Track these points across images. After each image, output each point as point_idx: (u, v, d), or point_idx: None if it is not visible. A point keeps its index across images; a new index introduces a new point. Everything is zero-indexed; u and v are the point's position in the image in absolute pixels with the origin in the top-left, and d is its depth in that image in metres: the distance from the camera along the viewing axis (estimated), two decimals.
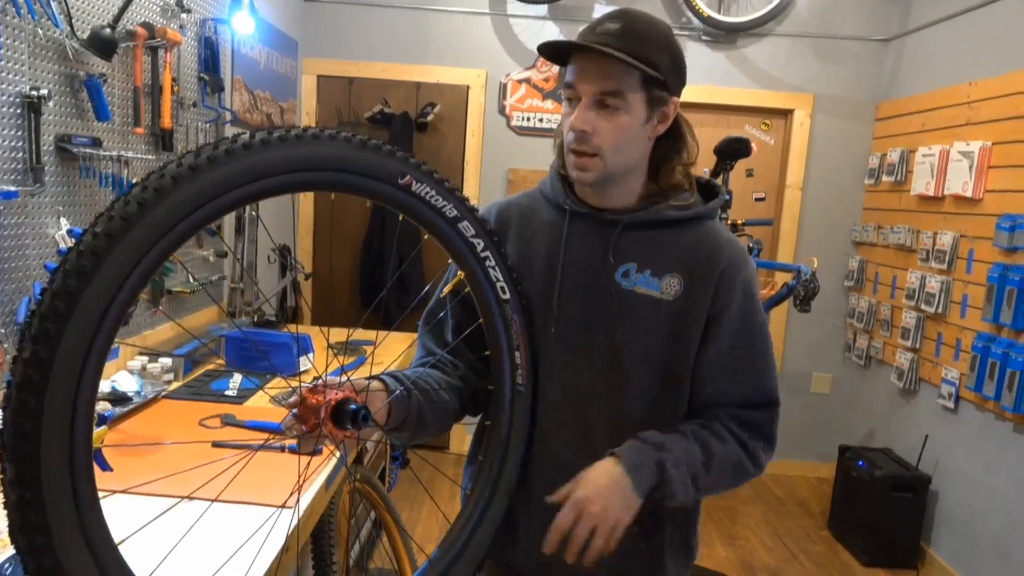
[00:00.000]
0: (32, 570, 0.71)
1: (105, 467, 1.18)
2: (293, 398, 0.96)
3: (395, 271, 3.99)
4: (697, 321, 1.12)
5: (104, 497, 0.77)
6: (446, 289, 1.21)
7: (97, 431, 0.98)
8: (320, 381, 0.96)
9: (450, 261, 1.25)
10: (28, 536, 0.70)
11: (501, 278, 1.08)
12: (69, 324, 0.69)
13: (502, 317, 1.09)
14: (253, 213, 3.10)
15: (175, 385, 2.19)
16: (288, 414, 0.99)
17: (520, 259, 1.18)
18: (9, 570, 1.04)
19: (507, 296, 1.09)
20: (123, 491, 1.25)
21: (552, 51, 1.10)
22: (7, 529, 0.71)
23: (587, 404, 1.13)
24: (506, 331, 1.10)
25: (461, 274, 1.09)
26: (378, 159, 0.90)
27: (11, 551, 1.08)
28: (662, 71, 1.07)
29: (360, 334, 3.04)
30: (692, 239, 1.14)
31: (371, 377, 1.09)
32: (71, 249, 0.71)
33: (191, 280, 2.62)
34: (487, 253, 1.06)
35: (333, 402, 0.95)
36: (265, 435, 1.71)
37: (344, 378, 1.00)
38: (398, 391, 1.09)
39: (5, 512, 0.70)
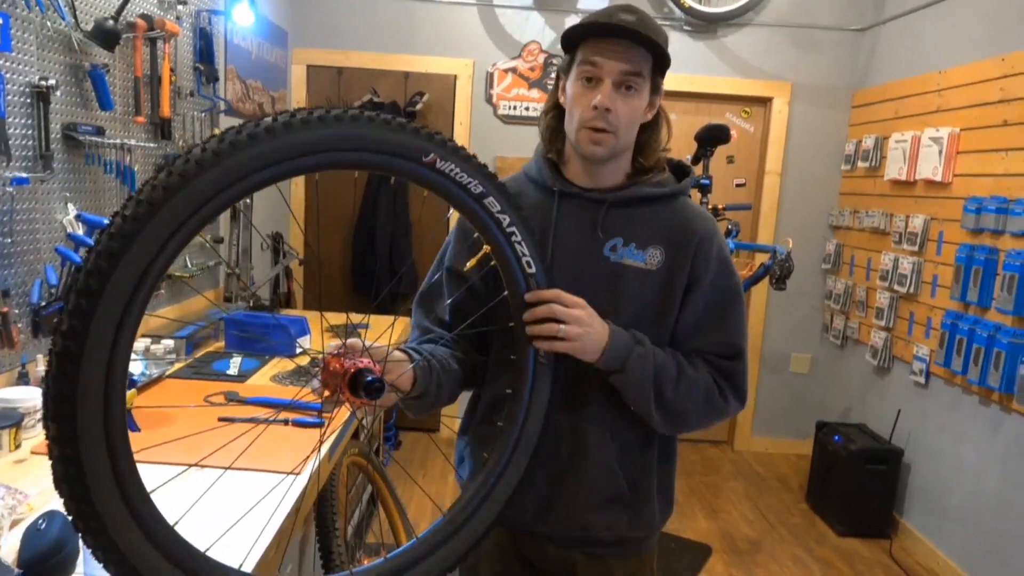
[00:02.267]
0: (73, 515, 0.80)
1: (134, 427, 1.27)
2: (320, 362, 1.03)
3: (388, 255, 4.07)
4: (678, 288, 1.24)
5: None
6: (470, 263, 1.23)
7: (127, 393, 1.06)
8: (342, 346, 1.03)
9: (449, 234, 1.35)
10: (69, 486, 0.79)
11: (527, 252, 1.11)
12: (101, 300, 0.76)
13: (526, 289, 1.12)
14: (248, 201, 3.17)
15: (178, 366, 2.27)
16: (314, 379, 1.06)
17: None
18: (43, 525, 1.12)
19: (533, 270, 1.12)
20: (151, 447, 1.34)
21: (570, 35, 1.18)
22: (52, 478, 0.80)
23: (580, 368, 1.21)
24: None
25: (487, 248, 1.11)
26: (402, 138, 0.91)
27: (38, 513, 1.16)
28: (667, 63, 1.19)
29: (354, 317, 3.12)
30: (669, 214, 1.25)
31: (393, 347, 1.15)
32: (103, 231, 0.78)
33: (189, 265, 2.69)
34: (513, 228, 1.07)
35: (352, 371, 1.00)
36: (272, 410, 1.80)
37: (368, 343, 1.06)
38: (419, 359, 1.18)
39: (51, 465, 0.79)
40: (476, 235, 1.13)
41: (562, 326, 1.11)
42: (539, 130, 1.31)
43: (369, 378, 0.99)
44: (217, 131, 2.78)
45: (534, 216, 1.26)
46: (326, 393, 1.01)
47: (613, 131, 1.17)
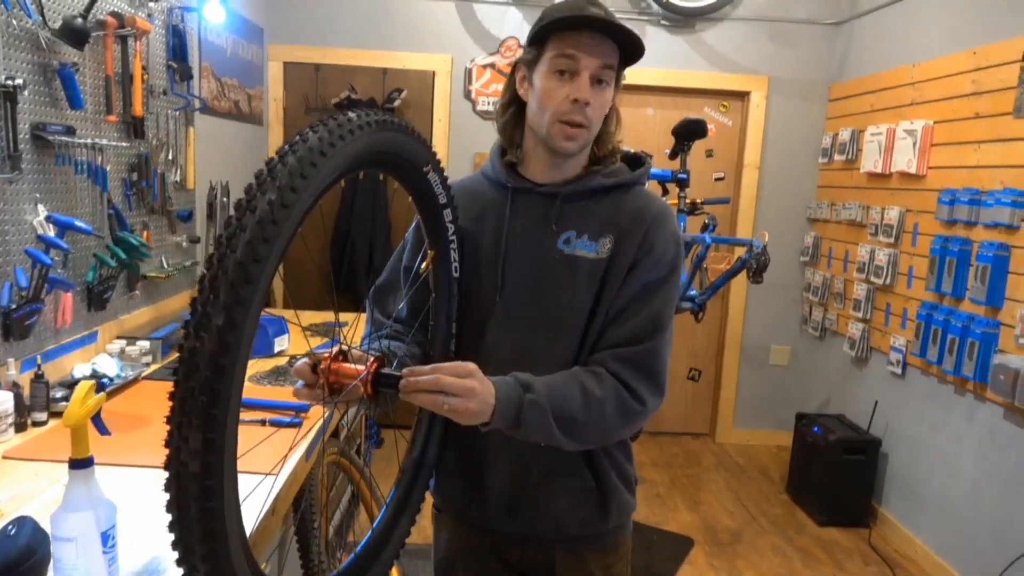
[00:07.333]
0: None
1: (104, 431, 1.25)
2: (322, 365, 1.01)
3: (367, 254, 4.05)
4: (621, 269, 1.20)
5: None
6: (424, 266, 1.25)
7: (96, 397, 1.04)
8: (339, 349, 1.02)
9: (406, 235, 1.36)
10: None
11: (456, 259, 1.23)
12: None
13: (449, 293, 1.23)
14: (224, 199, 3.14)
15: (154, 367, 2.25)
16: (301, 381, 1.04)
17: (471, 236, 1.28)
18: (13, 531, 1.11)
19: (457, 275, 1.24)
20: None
21: (544, 26, 1.17)
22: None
23: (535, 361, 1.20)
24: (449, 305, 1.24)
25: (432, 253, 1.18)
26: (419, 147, 1.03)
27: (8, 519, 1.14)
28: (637, 57, 1.19)
29: (331, 316, 3.10)
30: (623, 202, 1.24)
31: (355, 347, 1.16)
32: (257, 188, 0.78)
33: (165, 265, 2.66)
34: (454, 236, 1.20)
35: (372, 370, 1.00)
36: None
37: (348, 345, 1.06)
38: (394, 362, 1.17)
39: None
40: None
41: (450, 399, 1.00)
42: (497, 127, 1.30)
43: (387, 371, 1.01)
44: (192, 130, 2.75)
45: (492, 213, 1.27)
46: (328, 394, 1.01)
47: (588, 125, 1.18)
